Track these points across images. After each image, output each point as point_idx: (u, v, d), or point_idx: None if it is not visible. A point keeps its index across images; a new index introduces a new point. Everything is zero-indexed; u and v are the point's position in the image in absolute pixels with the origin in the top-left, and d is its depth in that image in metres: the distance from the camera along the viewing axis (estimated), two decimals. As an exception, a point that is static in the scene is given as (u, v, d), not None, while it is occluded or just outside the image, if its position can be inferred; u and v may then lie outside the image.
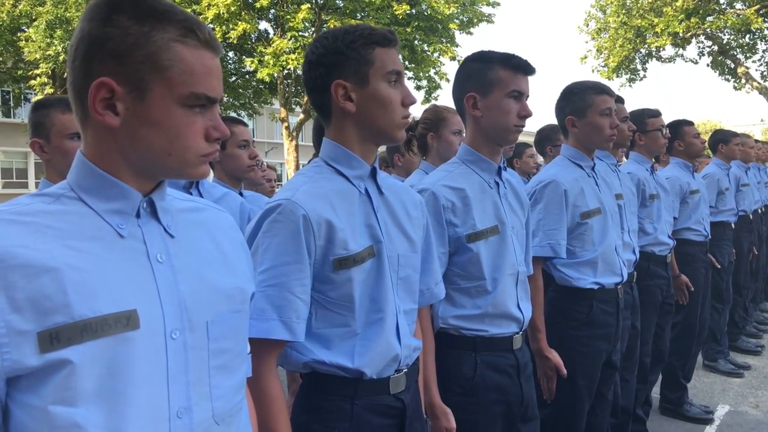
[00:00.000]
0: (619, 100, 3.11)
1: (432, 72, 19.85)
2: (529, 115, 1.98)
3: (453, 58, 19.25)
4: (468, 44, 23.50)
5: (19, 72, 20.85)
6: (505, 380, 1.98)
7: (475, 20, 19.77)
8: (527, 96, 2.00)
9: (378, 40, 1.47)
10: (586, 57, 22.92)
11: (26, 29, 18.90)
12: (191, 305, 0.99)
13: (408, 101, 1.49)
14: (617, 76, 22.49)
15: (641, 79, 22.79)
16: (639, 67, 22.64)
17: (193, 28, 0.96)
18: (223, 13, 16.66)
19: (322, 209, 1.43)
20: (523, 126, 2.01)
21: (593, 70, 23.09)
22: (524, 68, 1.99)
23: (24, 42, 18.62)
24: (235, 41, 18.20)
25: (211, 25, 17.66)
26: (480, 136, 2.03)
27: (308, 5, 17.67)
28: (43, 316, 0.84)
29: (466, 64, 2.05)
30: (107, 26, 0.92)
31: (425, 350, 1.80)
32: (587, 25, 22.87)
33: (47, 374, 0.84)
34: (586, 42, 22.93)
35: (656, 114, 3.61)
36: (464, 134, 2.26)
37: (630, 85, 22.78)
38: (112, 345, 0.88)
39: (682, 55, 21.66)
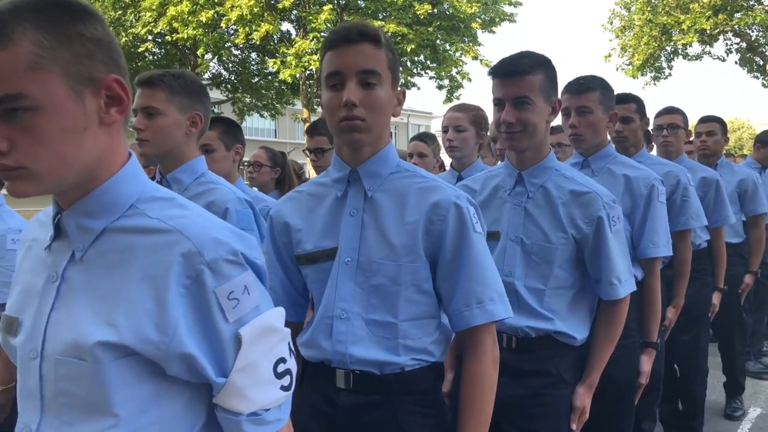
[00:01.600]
0: (625, 99, 3.01)
1: (454, 71, 19.77)
2: (506, 122, 1.86)
3: (475, 58, 19.14)
4: (490, 43, 23.39)
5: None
6: None
7: (498, 19, 19.64)
8: (506, 100, 1.86)
9: (327, 44, 1.47)
10: (610, 55, 22.64)
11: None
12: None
13: (343, 101, 1.41)
14: (642, 75, 22.17)
15: (666, 78, 22.44)
16: (664, 65, 22.29)
17: None
18: (246, 15, 16.77)
19: (284, 211, 1.63)
20: (508, 132, 1.88)
21: (617, 69, 22.80)
22: (495, 72, 1.91)
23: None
24: (257, 42, 18.32)
25: (234, 27, 17.80)
26: None
27: (330, 6, 17.71)
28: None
29: None
30: None
31: (468, 379, 1.50)
32: (611, 23, 22.58)
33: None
34: (610, 40, 22.75)
35: None
36: None
37: (655, 84, 22.43)
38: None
39: (709, 53, 21.27)
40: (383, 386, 1.47)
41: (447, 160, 3.52)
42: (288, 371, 1.02)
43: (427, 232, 1.48)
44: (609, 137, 2.71)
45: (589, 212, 1.91)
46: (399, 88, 1.54)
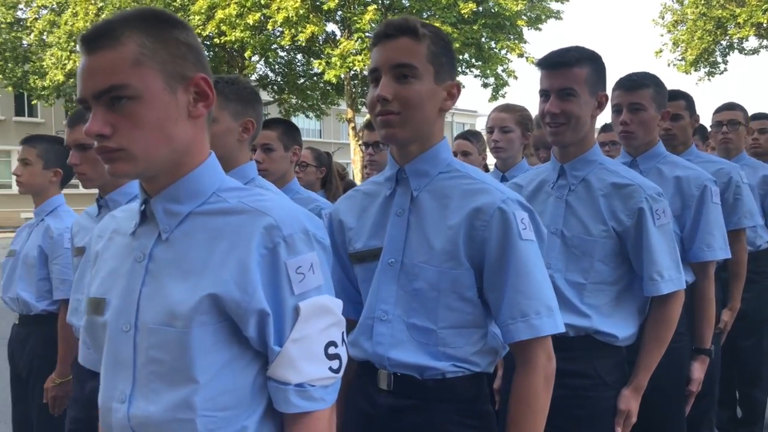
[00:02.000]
0: (674, 96, 2.91)
1: (499, 69, 19.59)
2: (550, 112, 1.85)
3: (521, 55, 18.93)
4: (537, 41, 23.06)
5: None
6: None
7: (544, 17, 19.40)
8: (551, 91, 1.86)
9: (371, 41, 1.47)
10: (661, 51, 22.06)
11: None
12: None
13: (376, 96, 1.40)
14: (695, 70, 21.54)
15: (722, 73, 21.76)
16: (719, 59, 21.60)
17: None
18: (291, 16, 16.99)
19: (340, 209, 1.62)
20: (552, 124, 1.87)
21: (669, 64, 22.20)
22: (542, 63, 1.90)
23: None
24: (303, 44, 18.53)
25: (280, 29, 18.06)
26: None
27: (375, 6, 17.79)
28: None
29: None
30: None
31: (516, 396, 1.41)
32: (663, 18, 22.01)
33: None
34: (662, 35, 22.32)
35: None
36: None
37: (709, 79, 21.78)
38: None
39: (766, 47, 20.52)
40: (423, 391, 1.42)
41: (490, 160, 3.48)
42: (338, 356, 1.09)
43: (470, 238, 1.39)
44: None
45: (630, 204, 1.86)
46: (451, 81, 1.46)
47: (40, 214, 2.82)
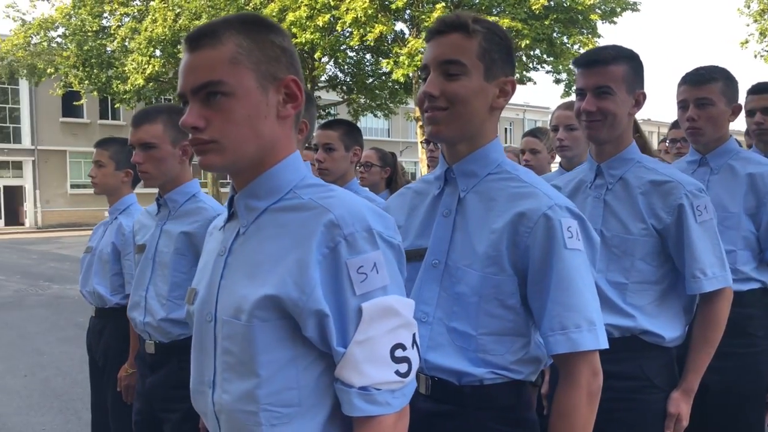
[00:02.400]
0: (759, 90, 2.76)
1: (572, 65, 19.10)
2: (585, 110, 1.83)
3: (594, 50, 18.39)
4: (611, 34, 22.33)
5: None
6: None
7: (619, 9, 18.75)
8: (587, 90, 1.84)
9: (426, 38, 1.45)
10: (747, 41, 20.94)
11: (185, 42, 20.62)
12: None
13: (423, 93, 1.39)
14: (785, 61, 20.32)
15: (814, 64, 20.42)
16: (811, 50, 20.30)
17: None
18: (360, 17, 17.12)
19: (391, 207, 1.60)
20: (588, 121, 1.84)
21: (756, 56, 21.04)
22: (578, 62, 1.89)
23: (183, 54, 20.28)
24: (372, 43, 18.65)
25: (349, 29, 18.24)
26: None
27: (443, 4, 17.68)
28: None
29: None
30: None
31: (557, 411, 1.35)
32: (749, 7, 20.87)
33: None
34: (748, 25, 20.98)
35: None
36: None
37: (800, 71, 20.50)
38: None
39: None
40: (460, 397, 1.37)
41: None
42: (406, 359, 1.05)
43: (514, 244, 1.34)
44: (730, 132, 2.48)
45: (670, 201, 1.81)
46: (504, 78, 1.40)
47: (113, 212, 2.96)
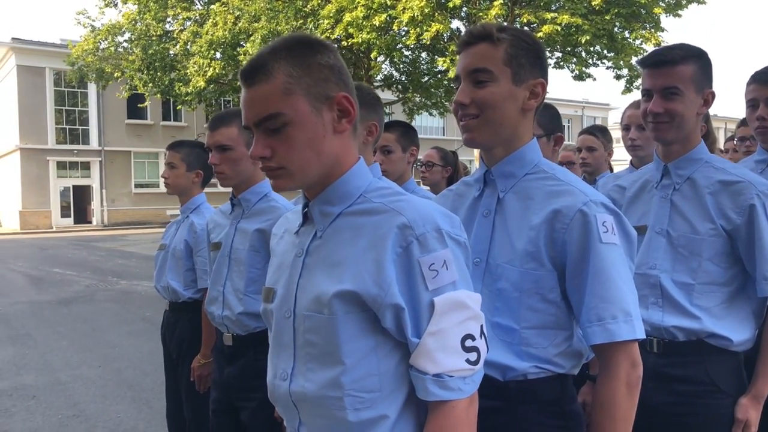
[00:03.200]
0: None
1: (634, 60, 18.58)
2: (652, 112, 1.82)
3: (657, 45, 17.81)
4: (676, 29, 21.62)
5: (238, 83, 23.25)
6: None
7: (684, 2, 18.12)
8: (654, 91, 1.83)
9: (457, 50, 1.52)
10: (822, 33, 19.95)
11: (244, 44, 21.07)
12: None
13: (455, 103, 1.45)
14: None
15: None
16: None
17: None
18: (417, 16, 17.11)
19: None
20: (655, 122, 1.84)
21: (832, 47, 20.02)
22: (644, 62, 1.87)
23: (242, 56, 20.76)
24: (428, 42, 18.62)
25: (405, 28, 18.28)
26: None
27: (500, 1, 17.50)
28: None
29: None
30: None
31: (597, 402, 1.37)
32: (824, -4, 19.88)
33: None
34: (823, 15, 19.98)
35: None
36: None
37: None
38: None
39: None
40: (505, 392, 1.41)
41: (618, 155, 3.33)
42: (476, 349, 1.14)
43: (551, 240, 1.39)
44: None
45: (740, 201, 1.78)
46: (533, 80, 1.45)
47: (185, 211, 3.09)
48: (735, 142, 4.10)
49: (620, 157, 5.50)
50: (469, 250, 1.22)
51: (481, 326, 1.15)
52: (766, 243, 1.75)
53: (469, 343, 1.12)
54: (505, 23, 18.26)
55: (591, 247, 1.35)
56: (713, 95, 1.85)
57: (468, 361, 1.12)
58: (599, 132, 3.62)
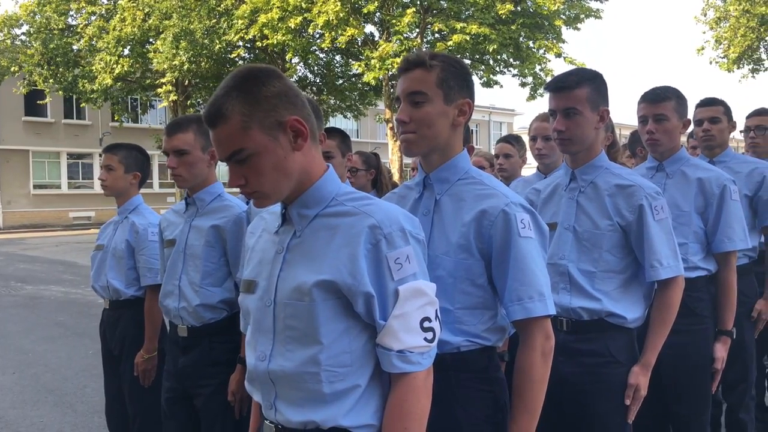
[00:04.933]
0: (713, 102, 3.34)
1: (537, 69, 19.61)
2: (556, 129, 2.15)
3: (558, 55, 18.93)
4: (575, 40, 22.97)
5: (147, 81, 22.66)
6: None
7: (582, 16, 19.33)
8: (557, 111, 2.16)
9: (397, 74, 1.77)
10: (703, 48, 21.78)
11: (154, 41, 20.52)
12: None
13: (397, 120, 1.71)
14: (738, 68, 21.20)
15: (766, 70, 21.35)
16: (764, 56, 21.21)
17: None
18: (332, 20, 17.31)
19: None
20: (559, 138, 2.17)
21: (711, 62, 21.88)
22: (548, 87, 2.21)
23: (152, 53, 20.22)
24: (342, 46, 18.85)
25: (320, 31, 18.44)
26: None
27: (413, 8, 17.99)
28: None
29: None
30: None
31: (517, 368, 1.64)
32: (705, 15, 21.72)
33: None
34: (704, 32, 21.87)
35: None
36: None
37: (754, 76, 21.41)
38: None
39: (813, 43, 20.09)
40: (441, 363, 1.56)
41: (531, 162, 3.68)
42: (432, 329, 1.36)
43: (479, 235, 1.64)
44: (684, 142, 2.88)
45: (632, 201, 2.13)
46: (462, 99, 1.70)
47: (123, 212, 3.15)
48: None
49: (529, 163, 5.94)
50: (426, 245, 1.44)
51: (436, 310, 1.37)
52: (652, 237, 2.10)
53: (426, 324, 1.34)
54: (417, 30, 18.81)
55: (512, 240, 1.61)
56: (608, 112, 2.19)
57: (426, 339, 1.34)
58: (515, 140, 3.98)
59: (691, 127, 3.22)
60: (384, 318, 1.33)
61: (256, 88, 1.34)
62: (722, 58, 21.32)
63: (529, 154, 3.71)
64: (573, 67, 10.81)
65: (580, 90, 2.12)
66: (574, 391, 2.12)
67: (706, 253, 2.69)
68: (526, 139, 3.86)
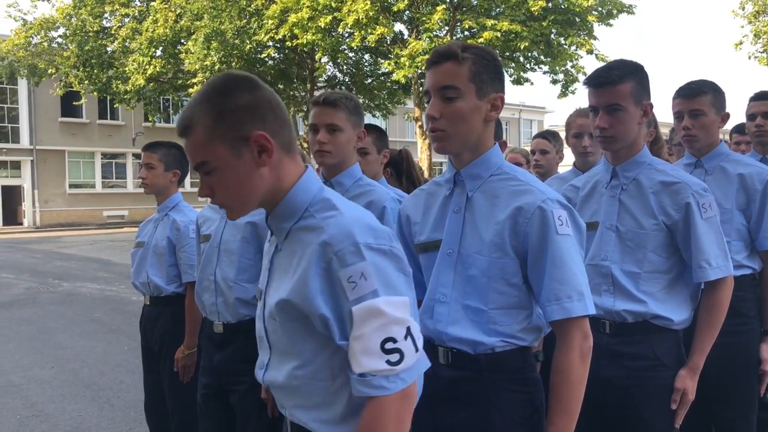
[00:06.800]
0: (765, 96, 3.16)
1: (569, 65, 19.37)
2: (599, 127, 2.06)
3: (590, 52, 18.67)
4: (607, 36, 22.64)
5: (179, 81, 22.94)
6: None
7: (615, 11, 19.03)
8: (599, 107, 2.06)
9: (425, 67, 1.70)
10: (741, 43, 21.29)
11: (186, 42, 20.77)
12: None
13: (427, 116, 1.65)
14: (777, 63, 20.66)
15: (806, 65, 20.79)
16: (804, 51, 20.66)
17: None
18: (361, 19, 17.32)
19: (407, 206, 1.87)
20: (602, 136, 2.08)
21: (750, 57, 21.38)
22: (588, 83, 2.10)
23: (184, 54, 20.46)
24: (372, 44, 18.85)
25: (350, 30, 18.46)
26: None
27: (443, 6, 17.90)
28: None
29: None
30: None
31: (554, 369, 1.58)
32: (743, 8, 21.21)
33: None
34: (742, 26, 21.34)
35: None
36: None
37: (792, 72, 20.87)
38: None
39: None
40: (475, 364, 1.60)
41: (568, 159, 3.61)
42: (398, 350, 1.22)
43: (514, 232, 1.59)
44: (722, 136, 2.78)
45: (678, 199, 2.04)
46: (495, 94, 1.64)
47: (163, 209, 3.19)
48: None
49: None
50: (400, 256, 1.30)
51: (408, 328, 1.24)
52: (700, 236, 2.02)
53: (389, 345, 1.22)
54: (447, 28, 18.72)
55: (549, 238, 1.55)
56: (651, 106, 2.10)
57: (389, 362, 1.21)
58: (551, 136, 3.91)
59: (732, 123, 3.11)
60: (344, 338, 1.26)
61: (222, 100, 1.29)
62: (761, 52, 20.82)
63: (566, 151, 3.64)
64: (603, 63, 10.58)
65: (624, 85, 2.03)
66: (619, 395, 2.05)
67: (750, 250, 2.60)
68: (562, 135, 3.80)
